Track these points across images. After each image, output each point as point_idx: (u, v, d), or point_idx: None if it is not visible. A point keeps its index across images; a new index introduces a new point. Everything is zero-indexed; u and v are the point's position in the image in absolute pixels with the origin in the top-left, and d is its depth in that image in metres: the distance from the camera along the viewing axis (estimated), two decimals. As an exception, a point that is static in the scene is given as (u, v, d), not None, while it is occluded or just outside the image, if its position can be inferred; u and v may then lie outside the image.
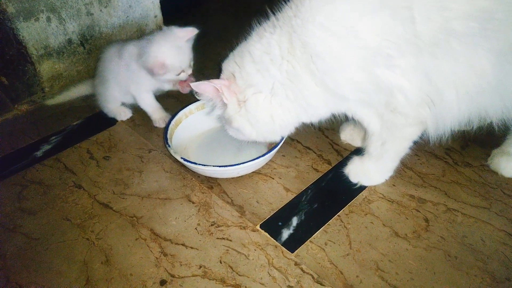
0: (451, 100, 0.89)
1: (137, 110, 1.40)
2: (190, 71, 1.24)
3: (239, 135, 1.09)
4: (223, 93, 0.99)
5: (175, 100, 1.43)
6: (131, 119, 1.41)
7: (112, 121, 1.40)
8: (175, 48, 1.18)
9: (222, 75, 1.04)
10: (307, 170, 1.18)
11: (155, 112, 1.35)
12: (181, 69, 1.21)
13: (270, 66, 0.95)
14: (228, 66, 1.03)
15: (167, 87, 1.33)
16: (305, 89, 0.95)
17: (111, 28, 1.59)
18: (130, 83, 1.29)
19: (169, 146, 1.13)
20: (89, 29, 1.53)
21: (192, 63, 1.25)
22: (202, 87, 1.00)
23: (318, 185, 1.13)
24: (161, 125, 1.34)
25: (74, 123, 1.41)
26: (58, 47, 1.47)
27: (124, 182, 1.16)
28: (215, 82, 0.99)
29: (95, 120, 1.42)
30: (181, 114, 1.26)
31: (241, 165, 1.06)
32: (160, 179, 1.17)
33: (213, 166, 1.06)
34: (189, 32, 1.20)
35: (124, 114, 1.40)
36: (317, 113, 1.02)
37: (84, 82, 1.50)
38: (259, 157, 1.08)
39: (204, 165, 1.07)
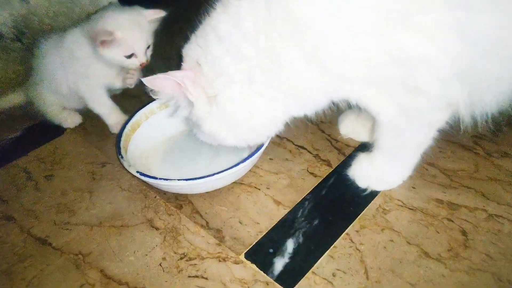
0: (492, 71, 0.68)
1: (89, 115, 1.17)
2: (143, 60, 1.03)
3: (212, 140, 0.89)
4: (187, 88, 0.79)
5: (136, 100, 1.20)
6: (81, 127, 1.19)
7: (59, 130, 1.17)
8: (132, 21, 1.00)
9: (184, 65, 0.84)
10: (302, 175, 0.97)
11: (111, 115, 1.13)
12: (133, 50, 1.00)
13: (243, 44, 0.75)
14: (190, 51, 0.82)
15: (118, 84, 1.12)
16: (292, 71, 0.75)
17: (54, 18, 1.35)
18: (77, 79, 1.08)
19: (121, 157, 0.90)
20: (25, 19, 1.29)
21: (149, 53, 1.05)
22: (159, 83, 0.79)
23: (317, 194, 0.92)
24: (120, 130, 1.12)
25: (10, 136, 1.18)
26: (-14, 43, 1.23)
27: (69, 208, 0.94)
28: (175, 74, 0.79)
29: (36, 131, 1.19)
30: (139, 115, 1.03)
31: (215, 176, 0.84)
32: (115, 200, 0.94)
33: (178, 180, 0.83)
34: (155, 13, 1.03)
35: (71, 121, 1.18)
36: (311, 102, 0.82)
37: (24, 85, 1.25)
38: (238, 164, 0.86)
39: (167, 180, 0.84)
